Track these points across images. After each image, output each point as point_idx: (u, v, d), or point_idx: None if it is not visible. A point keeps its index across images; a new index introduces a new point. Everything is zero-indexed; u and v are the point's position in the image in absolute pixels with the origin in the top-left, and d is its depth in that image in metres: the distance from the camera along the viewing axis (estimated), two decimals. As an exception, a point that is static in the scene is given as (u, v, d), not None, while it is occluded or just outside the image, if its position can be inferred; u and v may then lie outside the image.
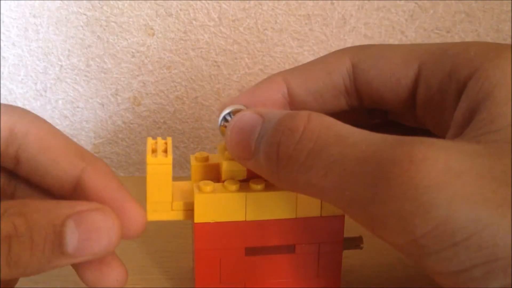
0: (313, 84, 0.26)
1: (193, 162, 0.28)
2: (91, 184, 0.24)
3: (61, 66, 0.44)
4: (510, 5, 0.44)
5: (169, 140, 0.27)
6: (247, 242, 0.27)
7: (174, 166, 0.47)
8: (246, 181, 0.27)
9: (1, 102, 0.45)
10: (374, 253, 0.33)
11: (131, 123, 0.46)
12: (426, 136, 0.25)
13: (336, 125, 0.21)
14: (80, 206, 0.22)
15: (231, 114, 0.26)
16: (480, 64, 0.22)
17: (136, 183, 0.45)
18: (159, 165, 0.26)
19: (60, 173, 0.24)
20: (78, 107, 0.46)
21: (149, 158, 0.26)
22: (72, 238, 0.21)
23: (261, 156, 0.23)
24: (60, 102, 0.45)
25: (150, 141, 0.27)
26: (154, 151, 0.26)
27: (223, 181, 0.26)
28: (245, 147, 0.23)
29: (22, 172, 0.24)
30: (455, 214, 0.18)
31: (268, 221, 0.26)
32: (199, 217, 0.26)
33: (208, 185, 0.26)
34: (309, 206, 0.26)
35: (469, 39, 0.45)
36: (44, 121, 0.24)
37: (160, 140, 0.27)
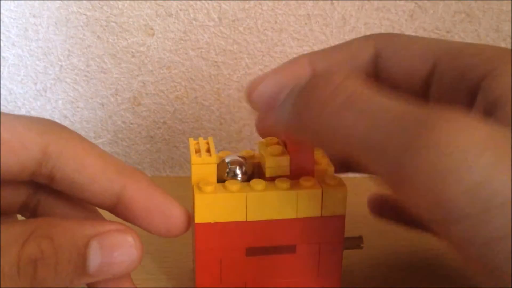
0: (338, 68, 0.26)
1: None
2: (133, 199, 0.24)
3: (61, 66, 0.44)
4: (510, 5, 0.44)
5: (211, 139, 0.27)
6: (248, 242, 0.27)
7: (173, 166, 0.47)
8: (248, 181, 0.27)
9: (1, 102, 0.45)
10: (374, 253, 0.33)
11: (131, 123, 0.46)
12: None
13: (372, 89, 0.21)
14: (103, 226, 0.22)
15: (229, 164, 0.27)
16: (495, 65, 0.22)
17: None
18: (204, 165, 0.26)
19: (99, 191, 0.24)
20: (78, 107, 0.46)
21: (194, 158, 0.26)
22: (94, 260, 0.21)
23: (289, 103, 0.22)
24: (60, 102, 0.45)
25: (192, 142, 0.27)
26: (197, 151, 0.27)
27: (268, 177, 0.26)
28: (271, 100, 0.23)
29: (57, 188, 0.24)
30: (493, 178, 0.17)
31: (269, 221, 0.26)
32: (199, 218, 0.26)
33: (209, 185, 0.26)
34: (310, 206, 0.26)
35: (469, 39, 0.45)
36: (80, 138, 0.24)
37: (201, 140, 0.27)
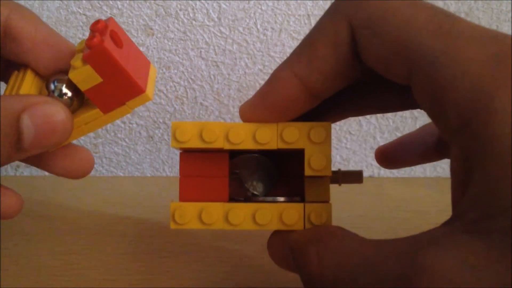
0: (324, 68, 0.23)
1: None
2: (19, 29, 0.24)
3: (61, 66, 0.44)
4: (510, 5, 0.44)
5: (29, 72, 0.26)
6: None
7: (173, 166, 0.47)
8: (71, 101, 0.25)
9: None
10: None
11: (131, 123, 0.46)
12: None
13: (344, 258, 0.21)
14: (31, 99, 0.22)
15: (55, 82, 0.25)
16: (468, 118, 0.19)
17: (135, 183, 0.45)
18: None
19: None
20: (77, 107, 0.46)
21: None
22: (28, 134, 0.21)
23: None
24: (59, 102, 0.45)
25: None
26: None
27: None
28: (288, 265, 0.24)
29: None
30: None
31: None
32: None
33: (184, 211, 0.25)
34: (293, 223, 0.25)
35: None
36: None
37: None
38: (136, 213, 0.37)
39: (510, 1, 0.43)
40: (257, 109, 0.25)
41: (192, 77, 0.45)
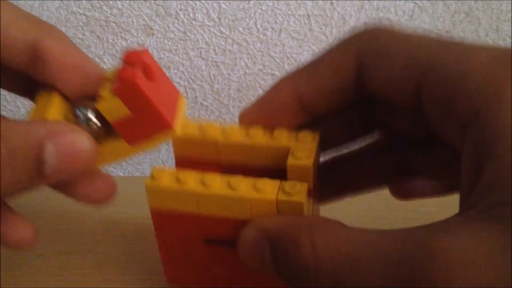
0: (322, 87, 0.25)
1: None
2: (49, 51, 0.23)
3: (61, 66, 0.44)
4: (510, 5, 0.44)
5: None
6: (205, 234, 0.26)
7: (173, 166, 0.47)
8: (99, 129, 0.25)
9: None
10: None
11: (131, 123, 0.46)
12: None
13: (344, 244, 0.20)
14: (56, 126, 0.22)
15: (82, 109, 0.24)
16: (479, 108, 0.20)
17: (135, 183, 0.45)
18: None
19: (12, 42, 0.23)
20: (77, 107, 0.46)
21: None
22: (50, 161, 0.21)
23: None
24: (59, 102, 0.45)
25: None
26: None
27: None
28: (263, 264, 0.23)
29: None
30: None
31: (223, 217, 0.25)
32: (153, 202, 0.26)
33: (163, 172, 0.25)
34: (264, 211, 0.24)
35: (469, 39, 0.45)
36: None
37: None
38: (136, 213, 0.37)
39: (510, 1, 0.44)
40: (254, 116, 0.26)
41: (192, 77, 0.45)
